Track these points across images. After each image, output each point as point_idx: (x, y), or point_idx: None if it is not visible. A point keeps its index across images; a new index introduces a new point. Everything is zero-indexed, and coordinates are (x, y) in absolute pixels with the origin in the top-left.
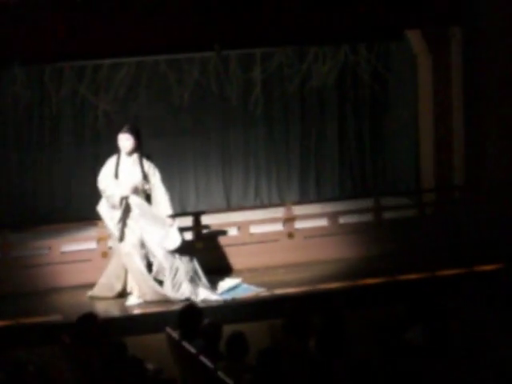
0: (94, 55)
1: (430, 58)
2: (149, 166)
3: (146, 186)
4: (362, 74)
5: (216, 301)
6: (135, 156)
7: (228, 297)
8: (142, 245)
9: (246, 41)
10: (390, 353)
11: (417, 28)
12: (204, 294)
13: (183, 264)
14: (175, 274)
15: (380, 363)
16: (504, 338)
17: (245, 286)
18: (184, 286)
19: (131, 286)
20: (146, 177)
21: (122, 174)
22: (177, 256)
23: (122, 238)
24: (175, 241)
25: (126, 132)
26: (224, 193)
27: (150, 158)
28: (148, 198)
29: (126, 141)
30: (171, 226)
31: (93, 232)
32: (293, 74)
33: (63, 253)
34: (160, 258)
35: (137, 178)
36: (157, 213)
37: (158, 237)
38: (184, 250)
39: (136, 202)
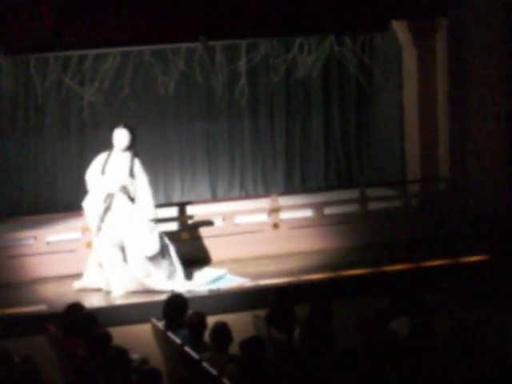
0: (79, 46)
1: (415, 50)
2: (139, 168)
3: (132, 187)
4: (347, 65)
5: (200, 291)
6: (127, 154)
7: (213, 287)
8: (119, 246)
9: (231, 31)
10: (375, 344)
11: (402, 19)
12: (186, 286)
13: (165, 259)
14: (155, 271)
15: (364, 354)
16: (488, 330)
17: (229, 276)
18: (166, 279)
19: (107, 282)
20: (133, 176)
21: (110, 170)
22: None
23: (98, 234)
24: (152, 248)
25: (122, 128)
26: (209, 183)
27: (140, 159)
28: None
29: (121, 136)
30: (151, 231)
31: (78, 222)
32: (278, 65)
33: (48, 243)
34: (138, 262)
35: (124, 177)
36: (139, 216)
37: (137, 242)
38: (165, 244)
39: (121, 203)
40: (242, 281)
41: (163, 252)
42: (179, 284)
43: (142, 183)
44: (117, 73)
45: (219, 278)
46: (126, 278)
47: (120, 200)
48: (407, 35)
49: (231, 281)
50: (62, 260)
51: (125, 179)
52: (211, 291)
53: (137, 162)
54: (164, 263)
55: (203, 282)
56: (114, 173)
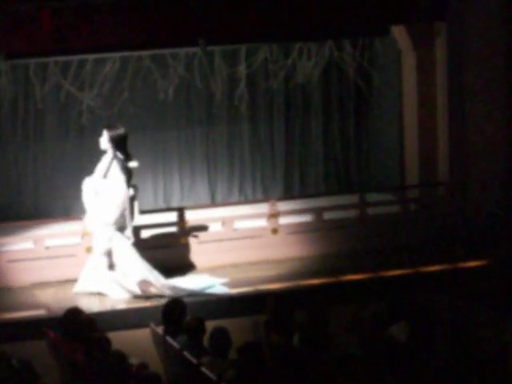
0: (78, 50)
1: (414, 54)
2: (114, 170)
3: (102, 189)
4: (346, 69)
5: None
6: (109, 156)
7: (198, 293)
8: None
9: (230, 36)
10: (374, 349)
11: (402, 24)
12: (173, 291)
13: (139, 267)
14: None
15: (363, 359)
16: (488, 334)
17: (220, 287)
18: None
19: (104, 286)
20: (106, 178)
21: (97, 171)
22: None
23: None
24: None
25: (104, 129)
26: (208, 188)
27: (129, 172)
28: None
29: (101, 137)
30: (104, 235)
31: (77, 227)
32: (277, 70)
33: (48, 247)
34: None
35: (95, 178)
36: (99, 218)
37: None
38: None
39: (95, 205)
40: (227, 292)
41: (113, 257)
42: (167, 288)
43: (112, 186)
44: (116, 78)
45: (209, 287)
46: (117, 282)
47: (94, 201)
48: (406, 40)
49: (219, 291)
50: (62, 265)
51: (94, 180)
52: (197, 295)
53: (115, 164)
54: (123, 266)
55: (191, 287)
56: (96, 174)
